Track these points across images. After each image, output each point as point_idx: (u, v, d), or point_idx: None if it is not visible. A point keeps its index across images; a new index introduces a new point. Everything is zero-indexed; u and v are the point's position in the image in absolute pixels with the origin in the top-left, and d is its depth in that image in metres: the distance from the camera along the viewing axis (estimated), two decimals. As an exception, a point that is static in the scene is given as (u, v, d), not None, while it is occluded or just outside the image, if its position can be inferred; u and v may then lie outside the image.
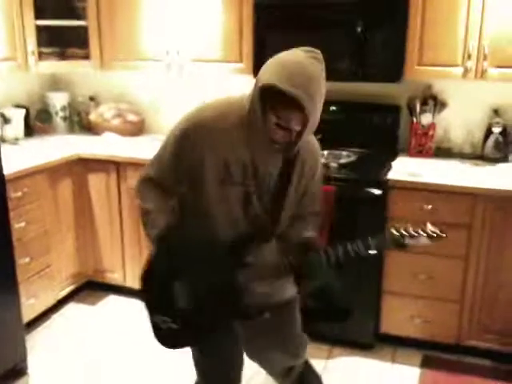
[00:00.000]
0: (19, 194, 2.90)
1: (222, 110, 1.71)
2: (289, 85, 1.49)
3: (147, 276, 1.86)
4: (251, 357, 2.05)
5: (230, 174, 1.69)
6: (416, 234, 1.65)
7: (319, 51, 1.59)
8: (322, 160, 1.96)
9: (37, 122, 3.84)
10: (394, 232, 1.65)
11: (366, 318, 2.94)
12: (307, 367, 2.15)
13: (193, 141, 1.68)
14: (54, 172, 3.17)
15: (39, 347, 3.01)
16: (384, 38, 2.95)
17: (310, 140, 1.79)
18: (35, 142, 3.57)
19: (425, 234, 1.65)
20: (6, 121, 3.54)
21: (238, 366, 2.11)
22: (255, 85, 1.59)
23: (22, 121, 3.64)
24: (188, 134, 1.69)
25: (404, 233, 1.65)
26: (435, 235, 1.65)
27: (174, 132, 1.74)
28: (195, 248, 1.76)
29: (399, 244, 1.66)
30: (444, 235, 1.66)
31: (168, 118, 3.62)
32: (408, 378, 2.78)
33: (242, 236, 1.77)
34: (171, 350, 1.90)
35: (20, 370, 2.76)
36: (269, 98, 1.53)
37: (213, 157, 1.68)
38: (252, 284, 1.78)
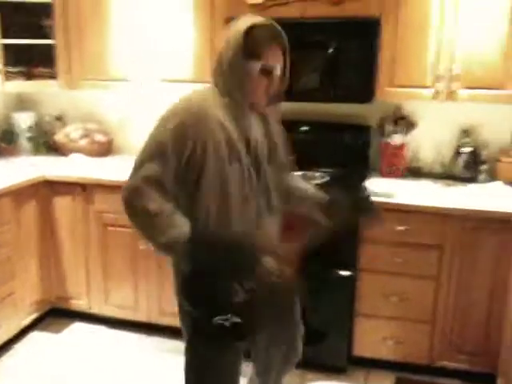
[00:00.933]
0: (-19, 218, 2.80)
1: (204, 95, 1.79)
2: (268, 21, 1.73)
3: (189, 287, 1.78)
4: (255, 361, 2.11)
5: (233, 151, 1.72)
6: None
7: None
8: None
9: (1, 143, 3.72)
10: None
11: (339, 341, 2.89)
12: None
13: (193, 129, 1.67)
14: (18, 195, 3.06)
15: (2, 378, 2.88)
16: (355, 59, 2.94)
17: None
18: (-1, 164, 3.47)
19: None
20: (-30, 142, 3.43)
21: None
22: (231, 40, 1.71)
23: (-14, 142, 3.54)
24: (186, 124, 1.67)
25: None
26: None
27: (167, 124, 1.69)
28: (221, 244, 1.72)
29: None
30: None
31: (137, 139, 3.51)
32: (382, 401, 2.74)
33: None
34: (244, 341, 1.89)
35: (-20, 404, 2.64)
36: (249, 45, 1.69)
37: (215, 140, 1.69)
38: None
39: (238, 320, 1.73)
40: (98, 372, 2.97)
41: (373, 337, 2.87)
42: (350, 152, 3.24)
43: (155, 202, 1.66)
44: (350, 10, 2.84)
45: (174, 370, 2.52)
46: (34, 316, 3.29)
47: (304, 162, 3.10)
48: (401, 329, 2.83)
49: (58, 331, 3.37)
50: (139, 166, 1.70)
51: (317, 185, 2.92)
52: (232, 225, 1.75)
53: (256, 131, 1.83)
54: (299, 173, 3.07)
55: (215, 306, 1.74)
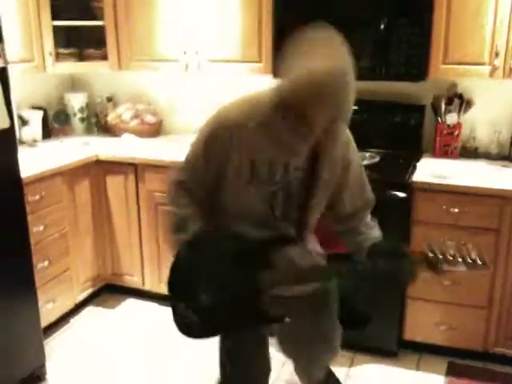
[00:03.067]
0: (37, 197, 2.88)
1: (246, 109, 1.69)
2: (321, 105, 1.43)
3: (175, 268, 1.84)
4: (286, 353, 2.06)
5: (256, 173, 1.69)
6: (454, 260, 1.54)
7: (335, 34, 1.48)
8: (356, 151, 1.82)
9: (55, 124, 3.82)
10: (430, 254, 1.56)
11: (389, 325, 2.86)
12: (330, 375, 2.14)
13: (220, 141, 1.68)
14: (71, 174, 3.15)
15: (58, 352, 3.00)
16: (408, 35, 2.85)
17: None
18: (53, 144, 3.55)
19: (463, 262, 1.54)
20: (24, 123, 3.52)
21: (264, 372, 2.04)
22: (283, 89, 1.48)
23: (40, 122, 3.63)
24: (215, 135, 1.69)
25: (440, 256, 1.54)
26: (475, 264, 1.54)
27: (201, 134, 1.75)
28: (222, 249, 1.73)
29: (433, 268, 1.56)
30: (485, 266, 1.54)
31: (186, 119, 3.56)
32: (433, 386, 2.72)
33: (272, 237, 1.74)
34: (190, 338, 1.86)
35: (38, 377, 2.74)
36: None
37: (238, 157, 1.67)
38: (276, 288, 1.73)
39: (196, 320, 1.76)
40: (149, 347, 3.05)
41: (424, 321, 2.83)
42: (402, 132, 3.17)
43: (177, 205, 1.77)
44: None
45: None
46: (88, 291, 3.40)
47: (354, 143, 3.07)
48: (454, 314, 2.78)
49: (112, 307, 3.48)
50: (179, 169, 1.81)
51: (365, 166, 2.89)
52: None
53: (300, 161, 1.69)
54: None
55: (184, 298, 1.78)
